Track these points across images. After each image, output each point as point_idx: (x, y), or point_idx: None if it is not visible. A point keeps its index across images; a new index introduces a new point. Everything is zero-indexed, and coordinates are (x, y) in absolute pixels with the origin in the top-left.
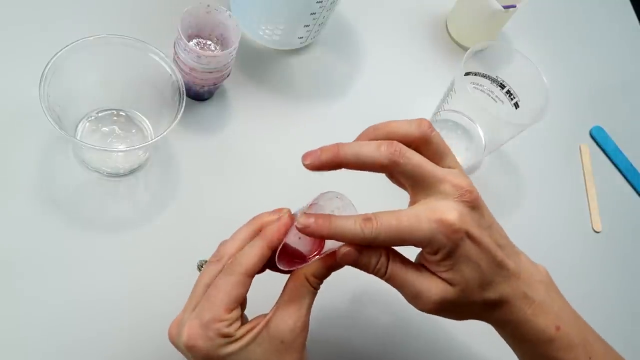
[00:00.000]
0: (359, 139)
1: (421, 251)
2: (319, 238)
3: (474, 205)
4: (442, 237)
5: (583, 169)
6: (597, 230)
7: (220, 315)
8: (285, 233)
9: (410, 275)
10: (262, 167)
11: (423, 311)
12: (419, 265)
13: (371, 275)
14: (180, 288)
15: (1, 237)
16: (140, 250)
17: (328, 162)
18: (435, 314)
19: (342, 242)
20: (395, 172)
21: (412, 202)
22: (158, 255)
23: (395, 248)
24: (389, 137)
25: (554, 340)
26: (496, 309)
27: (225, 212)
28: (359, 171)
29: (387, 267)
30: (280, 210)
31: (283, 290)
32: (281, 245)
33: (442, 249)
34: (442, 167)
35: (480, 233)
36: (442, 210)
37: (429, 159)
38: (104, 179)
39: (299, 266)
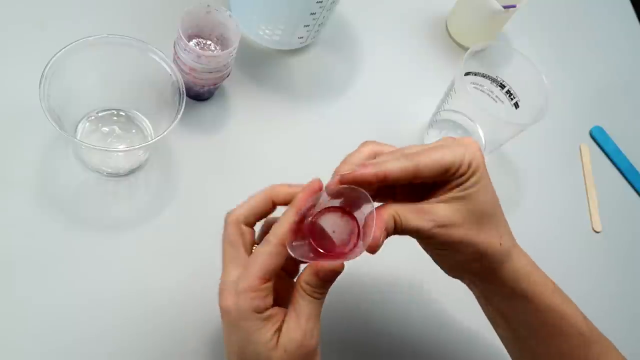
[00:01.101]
0: (359, 150)
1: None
2: (370, 182)
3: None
4: (472, 150)
5: (583, 169)
6: (597, 230)
7: (254, 285)
8: (312, 196)
9: (418, 215)
10: (262, 166)
11: (430, 229)
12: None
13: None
14: (180, 287)
15: (1, 237)
16: (140, 250)
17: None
18: (439, 238)
19: (392, 180)
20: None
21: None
22: (158, 255)
23: None
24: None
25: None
26: (482, 259)
27: (225, 212)
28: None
29: (398, 219)
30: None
31: (291, 298)
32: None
33: (474, 160)
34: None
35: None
36: (460, 139)
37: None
38: (104, 179)
39: (309, 259)
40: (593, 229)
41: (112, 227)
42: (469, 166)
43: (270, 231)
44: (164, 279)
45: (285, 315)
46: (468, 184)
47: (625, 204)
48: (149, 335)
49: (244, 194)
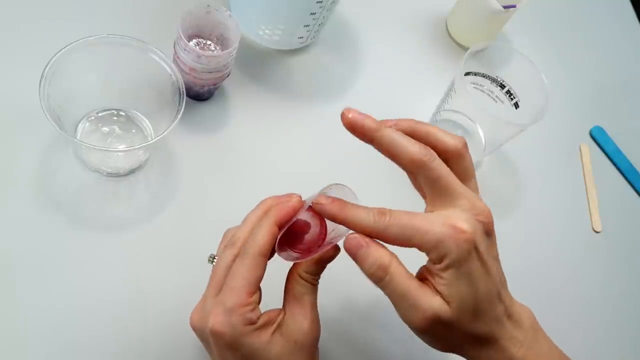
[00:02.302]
0: (398, 122)
1: (423, 266)
2: (331, 219)
3: (487, 229)
4: (452, 242)
5: (583, 169)
6: (597, 230)
7: (243, 300)
8: (294, 214)
9: (410, 284)
10: (262, 166)
11: (414, 328)
12: (420, 279)
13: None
14: (180, 287)
15: (1, 237)
16: (140, 250)
17: (364, 130)
18: (423, 335)
19: (352, 229)
20: (421, 174)
21: (428, 211)
22: (158, 255)
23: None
24: (427, 136)
25: None
26: (484, 345)
27: (225, 212)
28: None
29: (388, 269)
30: (290, 194)
31: (285, 291)
32: (284, 229)
33: (448, 255)
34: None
35: (487, 256)
36: (458, 218)
37: (456, 176)
38: (104, 179)
39: (301, 258)
40: (593, 229)
41: (112, 227)
42: (441, 260)
43: (247, 243)
44: (164, 279)
45: (279, 313)
46: (444, 277)
47: (625, 204)
48: (149, 334)
49: (244, 194)
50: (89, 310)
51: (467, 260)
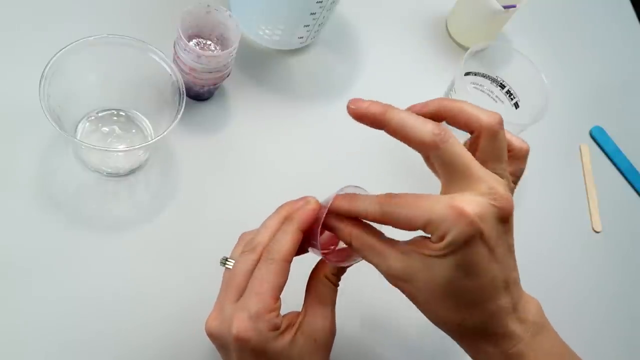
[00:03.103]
0: (427, 103)
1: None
2: (343, 213)
3: (502, 215)
4: (452, 222)
5: (583, 169)
6: (597, 230)
7: (269, 306)
8: (314, 217)
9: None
10: (262, 167)
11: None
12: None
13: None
14: (180, 287)
15: (1, 237)
16: (140, 250)
17: (372, 116)
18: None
19: (361, 217)
20: (433, 155)
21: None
22: (158, 255)
23: None
24: (460, 113)
25: None
26: (475, 336)
27: (225, 212)
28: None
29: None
30: (305, 198)
31: (307, 291)
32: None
33: (447, 235)
34: (490, 170)
35: (496, 242)
36: (464, 201)
37: (484, 156)
38: (104, 179)
39: (328, 253)
40: (593, 229)
41: (112, 227)
42: (441, 238)
43: (271, 249)
44: (164, 279)
45: (299, 314)
46: (437, 254)
47: (625, 204)
48: (149, 334)
49: (243, 194)
50: (89, 309)
51: (469, 245)
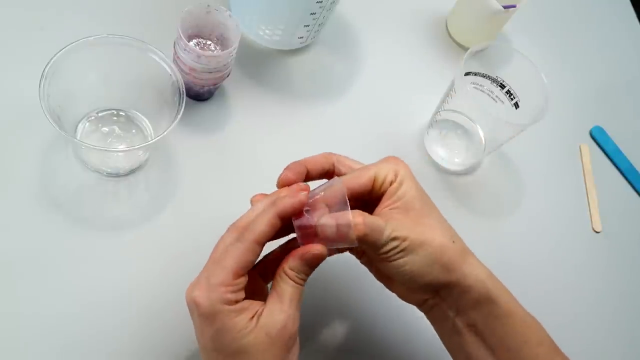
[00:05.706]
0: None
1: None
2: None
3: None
4: (388, 162)
5: (583, 169)
6: (597, 231)
7: (227, 280)
8: (299, 209)
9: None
10: (262, 166)
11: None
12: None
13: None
14: (180, 287)
15: (1, 237)
16: (140, 250)
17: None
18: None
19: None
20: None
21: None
22: (158, 255)
23: None
24: (306, 164)
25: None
26: (440, 259)
27: (225, 212)
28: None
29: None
30: (300, 187)
31: (272, 285)
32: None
33: (389, 174)
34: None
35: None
36: (386, 158)
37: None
38: (104, 179)
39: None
40: (593, 229)
41: (112, 227)
42: (395, 178)
43: (247, 229)
44: (164, 279)
45: (262, 305)
46: (399, 192)
47: (625, 204)
48: (149, 334)
49: (243, 194)
50: (88, 309)
51: (406, 173)
